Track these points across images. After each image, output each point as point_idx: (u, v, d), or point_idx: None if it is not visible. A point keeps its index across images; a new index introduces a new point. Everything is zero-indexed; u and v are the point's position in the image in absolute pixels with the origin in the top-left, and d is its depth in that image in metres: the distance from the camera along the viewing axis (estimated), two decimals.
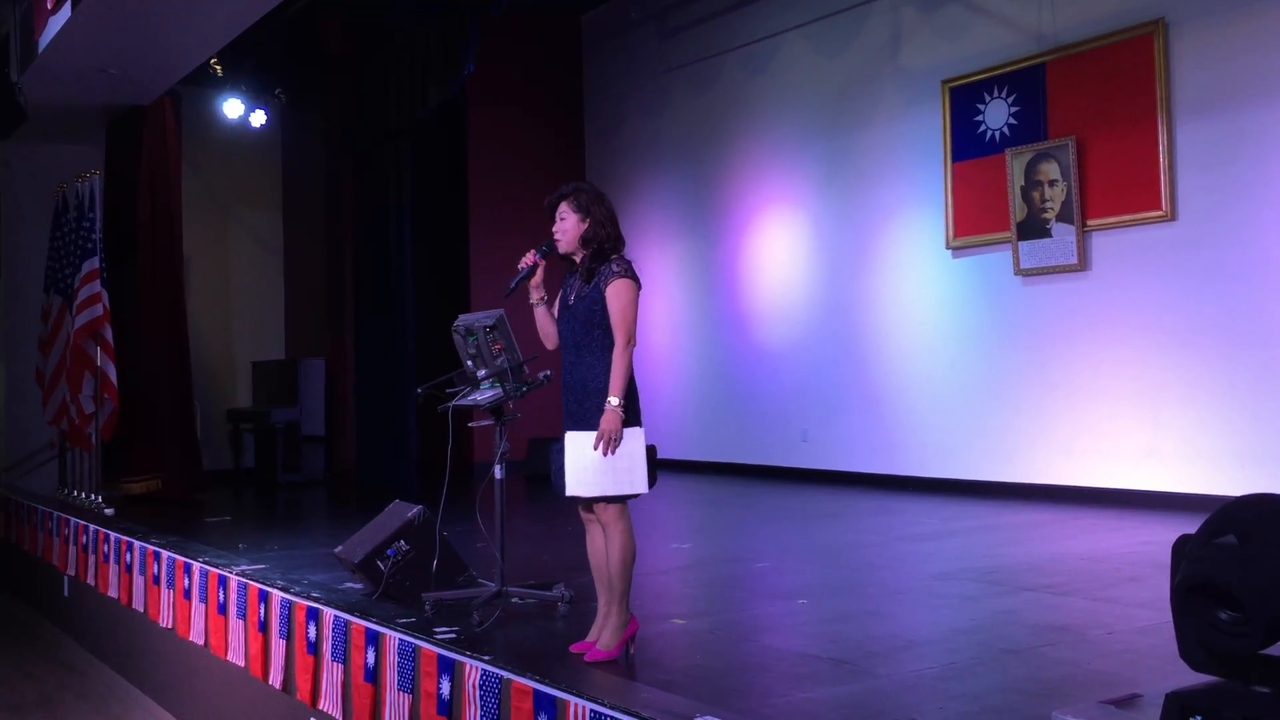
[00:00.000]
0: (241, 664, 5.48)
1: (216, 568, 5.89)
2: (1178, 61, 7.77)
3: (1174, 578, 2.53)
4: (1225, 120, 7.56)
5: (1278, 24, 7.28)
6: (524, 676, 3.68)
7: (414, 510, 5.36)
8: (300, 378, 11.63)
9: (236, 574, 5.68)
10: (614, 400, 3.99)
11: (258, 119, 11.81)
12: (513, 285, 4.38)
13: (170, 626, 6.37)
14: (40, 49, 8.73)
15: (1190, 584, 2.43)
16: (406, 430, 10.72)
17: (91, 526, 7.88)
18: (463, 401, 4.96)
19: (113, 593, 7.35)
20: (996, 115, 8.83)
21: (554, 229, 4.22)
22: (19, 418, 11.16)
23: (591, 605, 4.29)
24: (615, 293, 4.06)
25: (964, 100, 9.06)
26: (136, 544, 6.97)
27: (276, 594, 5.24)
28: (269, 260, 13.06)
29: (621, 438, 3.99)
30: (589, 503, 4.16)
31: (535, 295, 4.32)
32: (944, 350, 9.31)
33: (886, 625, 4.87)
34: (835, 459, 10.15)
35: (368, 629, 4.49)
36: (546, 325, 4.29)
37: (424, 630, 4.29)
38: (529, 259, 4.31)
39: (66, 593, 8.44)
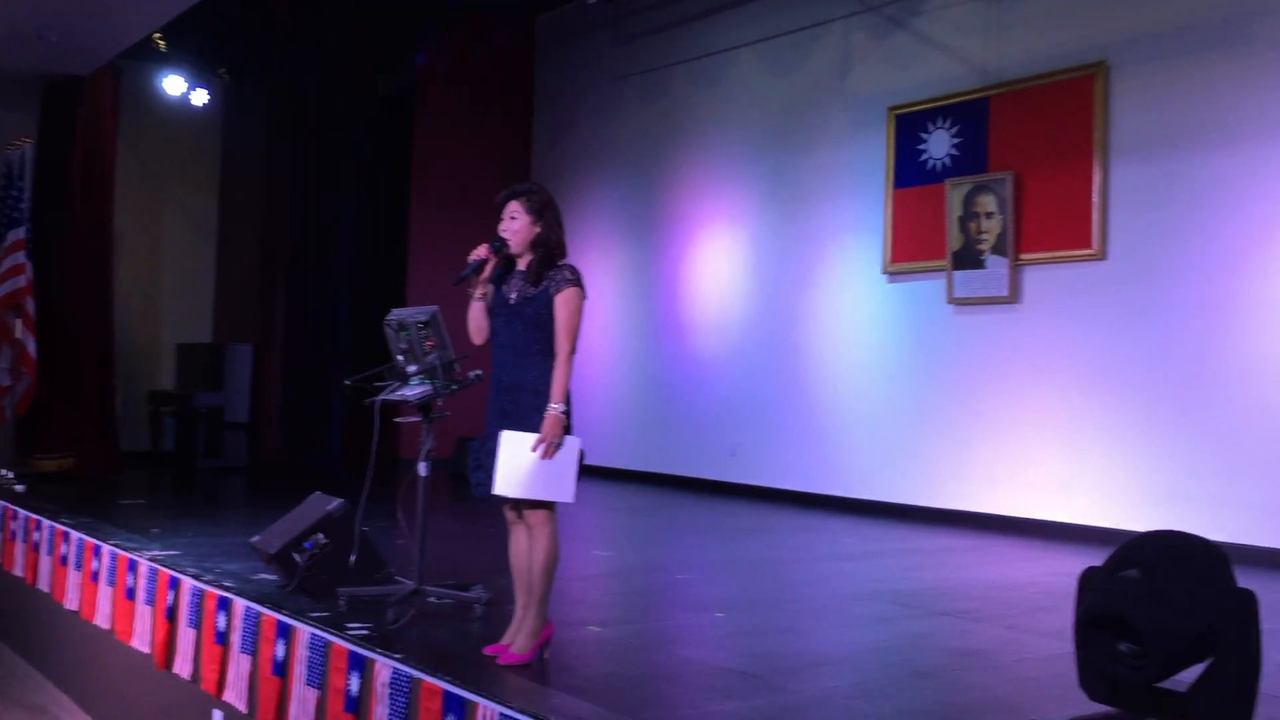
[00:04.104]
0: (147, 651, 5.36)
1: (127, 551, 5.77)
2: (1117, 104, 7.94)
3: (1078, 608, 2.57)
4: (1159, 164, 7.73)
5: (1216, 72, 7.47)
6: (435, 676, 3.65)
7: (334, 503, 5.29)
8: (227, 362, 11.43)
9: (147, 559, 5.56)
10: (557, 406, 3.99)
11: (199, 98, 11.64)
12: (463, 275, 4.28)
13: (76, 609, 6.22)
14: None
15: (1093, 615, 2.47)
16: (332, 422, 10.60)
17: (0, 503, 7.67)
18: (390, 396, 4.92)
19: (18, 571, 7.15)
20: (939, 145, 8.95)
21: (502, 227, 4.18)
22: None
23: (509, 608, 4.26)
24: (565, 300, 4.06)
25: (908, 128, 9.18)
26: (45, 522, 6.80)
27: (187, 581, 5.14)
28: (201, 242, 12.82)
29: (562, 444, 4.00)
30: (517, 504, 4.14)
31: (479, 290, 4.26)
32: (874, 373, 9.41)
33: (801, 642, 4.91)
34: (762, 475, 10.19)
35: (279, 621, 4.42)
36: (481, 321, 4.25)
37: (336, 626, 4.24)
38: (480, 252, 4.25)
39: None
